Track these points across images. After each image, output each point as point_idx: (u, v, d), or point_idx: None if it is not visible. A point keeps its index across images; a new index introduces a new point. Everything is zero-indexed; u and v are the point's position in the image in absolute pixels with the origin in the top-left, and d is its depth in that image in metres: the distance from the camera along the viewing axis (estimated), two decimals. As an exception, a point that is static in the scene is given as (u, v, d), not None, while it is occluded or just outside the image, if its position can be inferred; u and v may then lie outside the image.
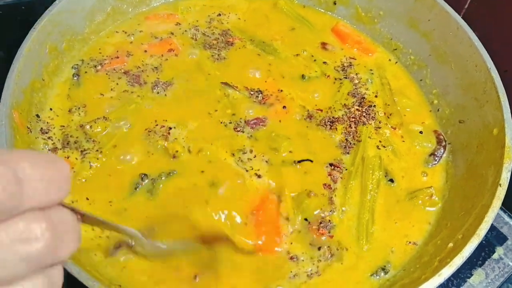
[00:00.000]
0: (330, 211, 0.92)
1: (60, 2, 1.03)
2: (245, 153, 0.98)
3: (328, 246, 0.88)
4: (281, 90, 1.11)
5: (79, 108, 1.02)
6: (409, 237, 0.92)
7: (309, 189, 0.93)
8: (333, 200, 0.94)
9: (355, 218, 0.93)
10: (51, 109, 1.01)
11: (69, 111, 1.01)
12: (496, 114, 0.94)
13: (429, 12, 1.14)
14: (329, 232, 0.89)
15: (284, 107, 1.07)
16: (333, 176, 0.97)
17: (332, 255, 0.87)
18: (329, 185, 0.96)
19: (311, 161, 0.98)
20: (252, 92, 1.09)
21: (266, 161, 0.97)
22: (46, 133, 0.97)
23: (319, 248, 0.87)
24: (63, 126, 0.99)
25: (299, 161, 0.97)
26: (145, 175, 0.92)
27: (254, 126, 1.03)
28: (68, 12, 1.06)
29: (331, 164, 0.98)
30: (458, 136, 1.05)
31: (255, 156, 0.98)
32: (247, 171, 0.95)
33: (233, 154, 0.97)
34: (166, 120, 1.01)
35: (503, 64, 1.01)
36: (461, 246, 0.78)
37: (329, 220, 0.91)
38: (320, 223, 0.90)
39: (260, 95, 1.09)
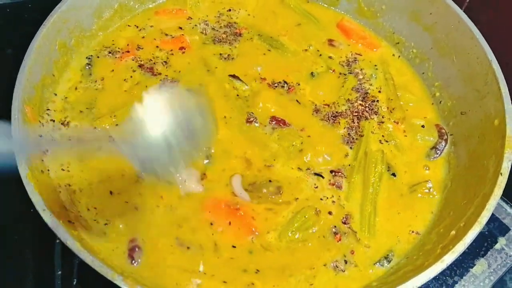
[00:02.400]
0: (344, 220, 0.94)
1: (68, -1, 1.05)
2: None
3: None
4: (299, 84, 1.13)
5: (90, 103, 1.04)
6: (412, 227, 0.94)
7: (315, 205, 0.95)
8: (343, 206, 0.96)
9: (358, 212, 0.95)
10: (63, 100, 1.03)
11: (79, 103, 1.04)
12: (497, 105, 0.96)
13: (431, 6, 1.16)
14: (340, 240, 0.91)
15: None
16: (338, 183, 0.98)
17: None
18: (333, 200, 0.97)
19: (322, 176, 0.98)
20: (276, 84, 1.12)
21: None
22: (59, 127, 0.99)
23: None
24: (73, 118, 1.01)
25: (316, 174, 0.99)
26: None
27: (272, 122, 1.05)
28: (77, 9, 1.08)
29: (332, 171, 1.00)
30: (460, 128, 1.06)
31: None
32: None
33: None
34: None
35: (505, 56, 1.02)
36: (463, 234, 0.80)
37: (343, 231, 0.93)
38: (335, 234, 0.92)
39: (286, 85, 1.12)
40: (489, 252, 1.03)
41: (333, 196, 0.96)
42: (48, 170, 0.91)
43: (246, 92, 1.10)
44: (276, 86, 1.12)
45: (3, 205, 0.99)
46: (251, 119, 1.04)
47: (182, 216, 0.90)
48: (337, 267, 0.88)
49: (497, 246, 1.05)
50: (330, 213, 0.94)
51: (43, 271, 0.94)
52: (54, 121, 1.00)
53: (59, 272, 0.92)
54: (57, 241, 0.73)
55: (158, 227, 0.88)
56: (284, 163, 0.99)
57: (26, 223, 0.96)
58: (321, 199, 0.95)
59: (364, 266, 0.88)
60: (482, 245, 1.04)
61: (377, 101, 1.13)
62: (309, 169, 0.99)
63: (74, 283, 0.91)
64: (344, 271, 0.88)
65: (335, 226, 0.92)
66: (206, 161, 0.97)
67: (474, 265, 1.01)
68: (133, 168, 0.92)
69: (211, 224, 0.89)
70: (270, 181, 0.96)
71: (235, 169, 0.97)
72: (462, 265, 1.01)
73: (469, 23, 1.06)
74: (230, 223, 0.90)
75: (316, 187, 0.97)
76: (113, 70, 1.10)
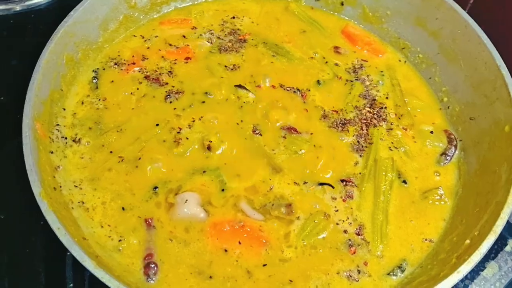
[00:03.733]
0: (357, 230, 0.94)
1: (75, 13, 1.05)
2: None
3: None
4: (309, 90, 1.14)
5: (97, 119, 1.04)
6: (425, 235, 0.94)
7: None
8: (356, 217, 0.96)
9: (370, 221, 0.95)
10: (72, 116, 1.03)
11: (87, 120, 1.03)
12: (507, 111, 0.96)
13: (436, 11, 1.15)
14: (354, 252, 0.91)
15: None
16: (348, 192, 0.98)
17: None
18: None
19: (333, 187, 0.98)
20: (288, 88, 1.12)
21: None
22: (70, 144, 0.99)
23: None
24: (84, 135, 1.01)
25: (321, 184, 0.98)
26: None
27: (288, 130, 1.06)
28: (83, 23, 1.08)
29: (342, 180, 0.99)
30: (469, 133, 1.06)
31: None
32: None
33: None
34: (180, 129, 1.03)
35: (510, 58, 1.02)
36: (478, 243, 0.80)
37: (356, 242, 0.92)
38: (350, 246, 0.91)
39: (299, 92, 1.12)
40: (499, 255, 1.03)
41: (348, 218, 0.95)
42: (60, 186, 0.91)
43: (251, 99, 1.10)
44: (287, 91, 1.12)
45: (13, 217, 0.99)
46: (257, 131, 1.04)
47: (196, 251, 0.88)
48: (351, 276, 0.88)
49: (507, 248, 1.04)
50: (345, 231, 0.93)
51: (54, 284, 0.94)
52: (66, 138, 1.00)
53: (71, 285, 0.92)
54: (68, 253, 0.73)
55: (176, 257, 0.87)
56: (290, 176, 0.99)
57: (37, 236, 0.96)
58: (337, 223, 0.94)
59: (377, 276, 0.89)
60: (492, 247, 1.01)
61: (385, 107, 1.12)
62: (317, 182, 0.99)
63: (86, 295, 0.91)
64: (358, 280, 0.88)
65: (349, 239, 0.92)
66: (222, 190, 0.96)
67: (485, 268, 1.01)
68: (143, 188, 0.94)
69: (225, 251, 0.88)
70: (277, 198, 0.95)
71: (240, 191, 0.96)
72: (473, 268, 1.00)
73: (476, 28, 1.06)
74: (240, 242, 0.89)
75: (337, 210, 0.96)
76: (119, 83, 1.10)
